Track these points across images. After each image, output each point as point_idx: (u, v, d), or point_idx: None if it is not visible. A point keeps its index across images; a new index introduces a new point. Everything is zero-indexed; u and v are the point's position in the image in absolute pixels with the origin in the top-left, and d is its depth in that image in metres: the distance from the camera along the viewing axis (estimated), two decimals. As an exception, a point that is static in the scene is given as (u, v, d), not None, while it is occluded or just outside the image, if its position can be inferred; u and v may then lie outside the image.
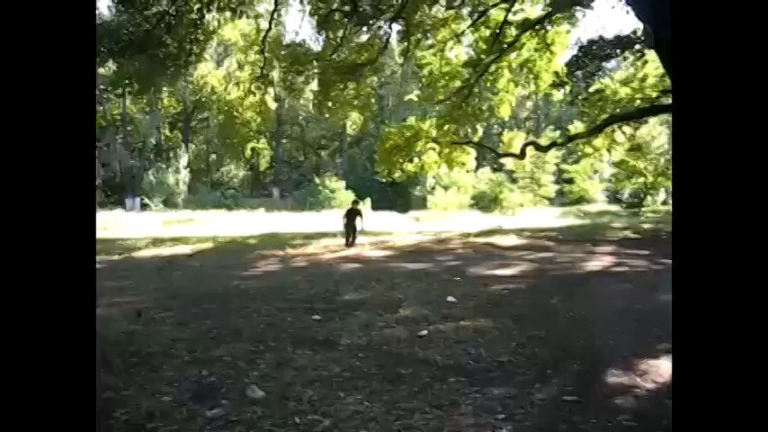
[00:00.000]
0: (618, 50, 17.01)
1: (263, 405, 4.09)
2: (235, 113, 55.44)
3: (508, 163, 44.82)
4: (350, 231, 16.56)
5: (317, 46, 20.36)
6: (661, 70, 14.14)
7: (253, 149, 64.78)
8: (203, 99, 56.42)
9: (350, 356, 5.37)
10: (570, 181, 48.98)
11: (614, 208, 44.66)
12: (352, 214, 16.74)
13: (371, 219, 23.26)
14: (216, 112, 58.50)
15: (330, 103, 21.54)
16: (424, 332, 6.20)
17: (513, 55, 19.23)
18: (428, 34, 19.14)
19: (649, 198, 43.04)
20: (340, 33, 18.31)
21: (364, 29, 18.37)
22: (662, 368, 4.80)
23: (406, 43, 19.18)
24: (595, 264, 12.38)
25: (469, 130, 22.41)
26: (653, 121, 31.54)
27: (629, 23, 57.35)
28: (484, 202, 45.29)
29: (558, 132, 42.42)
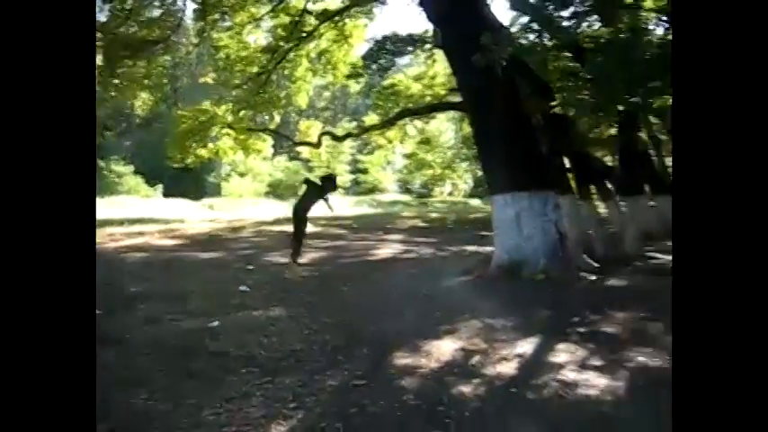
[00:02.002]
0: (410, 48, 17.75)
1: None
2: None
3: (304, 152, 45.03)
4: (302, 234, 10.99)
5: (101, 17, 18.59)
6: (449, 69, 15.07)
7: (27, 126, 58.34)
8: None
9: (135, 352, 5.07)
10: (364, 171, 50.42)
11: (405, 198, 46.89)
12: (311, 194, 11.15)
13: (162, 206, 21.86)
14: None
15: (117, 81, 19.97)
16: (215, 323, 6.04)
17: (311, 44, 19.31)
18: (226, 15, 18.50)
19: (437, 189, 45.88)
20: (128, 5, 16.97)
21: (156, 3, 17.24)
22: (443, 348, 5.13)
23: (202, 23, 18.32)
24: (386, 251, 12.91)
25: (266, 118, 22.20)
26: (441, 117, 33.56)
27: (422, 23, 60.47)
28: (280, 190, 45.14)
29: (353, 123, 43.40)
